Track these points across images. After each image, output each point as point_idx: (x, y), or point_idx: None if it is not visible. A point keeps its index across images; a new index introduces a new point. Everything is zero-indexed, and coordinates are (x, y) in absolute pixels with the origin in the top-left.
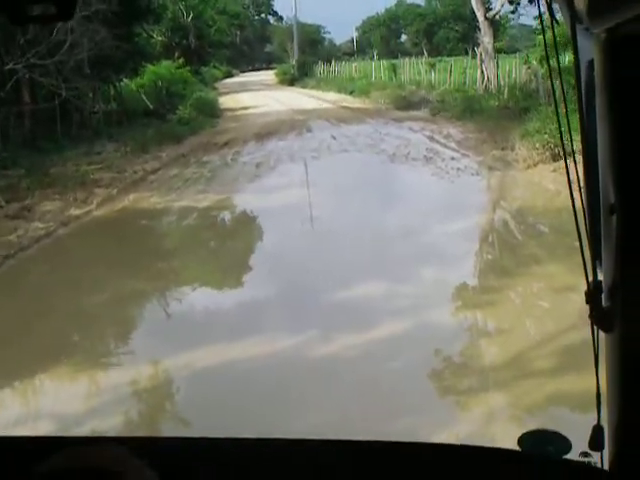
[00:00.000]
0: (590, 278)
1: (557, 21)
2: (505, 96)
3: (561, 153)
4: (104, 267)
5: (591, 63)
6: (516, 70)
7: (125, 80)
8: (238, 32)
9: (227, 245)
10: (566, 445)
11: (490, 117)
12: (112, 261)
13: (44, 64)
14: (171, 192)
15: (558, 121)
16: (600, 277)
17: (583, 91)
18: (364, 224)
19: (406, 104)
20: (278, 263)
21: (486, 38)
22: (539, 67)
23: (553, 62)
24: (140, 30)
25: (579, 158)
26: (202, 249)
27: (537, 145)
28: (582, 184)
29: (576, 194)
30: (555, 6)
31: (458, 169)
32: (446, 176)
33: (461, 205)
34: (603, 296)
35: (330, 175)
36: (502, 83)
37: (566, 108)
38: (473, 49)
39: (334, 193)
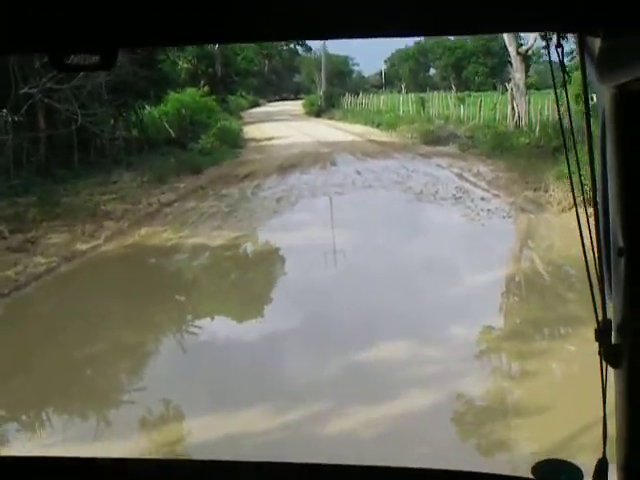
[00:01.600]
0: (600, 316)
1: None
2: (536, 134)
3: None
4: (99, 314)
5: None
6: (549, 107)
7: (148, 108)
8: (266, 61)
9: (237, 290)
10: (578, 475)
11: (521, 155)
12: (110, 307)
13: (60, 89)
14: (185, 227)
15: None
16: (609, 316)
17: (600, 135)
18: (388, 270)
19: (434, 139)
20: (292, 317)
21: (517, 74)
22: (574, 105)
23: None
24: (163, 56)
25: None
26: (209, 292)
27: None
28: (593, 226)
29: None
30: None
31: (489, 210)
32: (476, 218)
33: (492, 251)
34: (613, 334)
35: (354, 213)
36: (533, 120)
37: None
38: (502, 84)
39: (358, 233)
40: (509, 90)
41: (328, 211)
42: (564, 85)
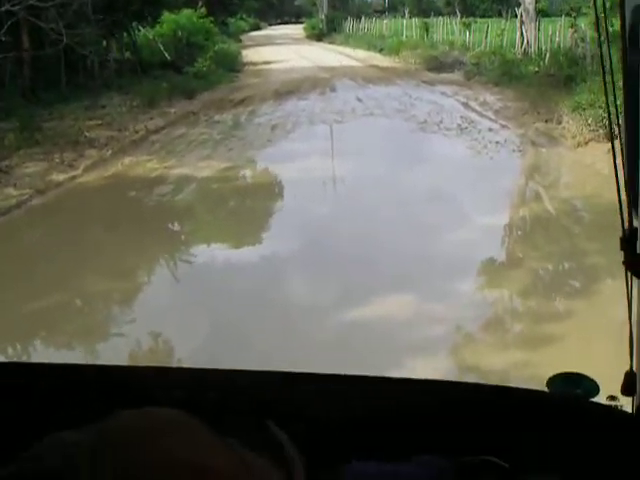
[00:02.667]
0: (626, 225)
1: None
2: (546, 62)
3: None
4: (62, 258)
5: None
6: (560, 34)
7: (142, 29)
8: None
9: (220, 229)
10: (594, 388)
11: (531, 84)
12: (72, 251)
13: (45, 7)
14: (172, 156)
15: (605, 92)
16: (636, 224)
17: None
18: (389, 203)
19: (438, 65)
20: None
21: None
22: (587, 31)
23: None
24: None
25: None
26: (192, 226)
27: (589, 121)
28: (622, 127)
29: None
30: None
31: (497, 143)
32: (484, 151)
33: (502, 190)
34: (638, 243)
35: (353, 142)
36: (543, 48)
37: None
38: (508, 11)
39: (357, 164)
40: (518, 15)
41: (326, 140)
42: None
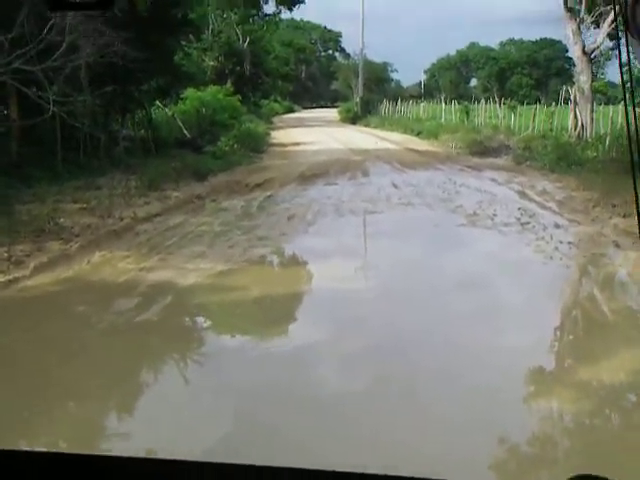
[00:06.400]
0: None
1: None
2: (606, 146)
3: None
4: None
5: None
6: (621, 115)
7: (159, 105)
8: (304, 67)
9: (184, 373)
10: None
11: (593, 171)
12: None
13: (32, 70)
14: (154, 254)
15: None
16: None
17: None
18: (434, 343)
19: (482, 149)
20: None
21: (583, 77)
22: None
23: None
24: (174, 46)
25: None
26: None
27: None
28: None
29: None
30: None
31: (570, 244)
32: (555, 255)
33: (590, 315)
34: None
35: (387, 241)
36: (601, 130)
37: None
38: (546, 97)
39: (390, 274)
40: (572, 96)
41: (353, 236)
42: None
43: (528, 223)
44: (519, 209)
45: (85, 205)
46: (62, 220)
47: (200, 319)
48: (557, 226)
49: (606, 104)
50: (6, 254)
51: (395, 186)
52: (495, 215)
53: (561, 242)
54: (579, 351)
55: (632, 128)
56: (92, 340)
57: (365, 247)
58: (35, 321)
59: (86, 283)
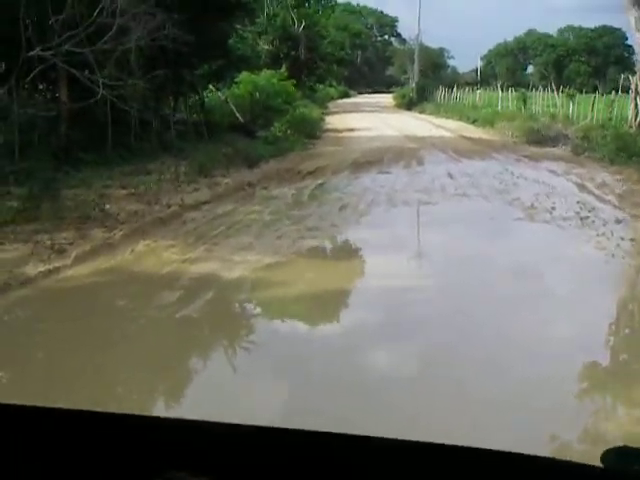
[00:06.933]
0: None
1: None
2: None
3: None
4: None
5: None
6: None
7: (212, 89)
8: (359, 52)
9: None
10: None
11: None
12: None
13: (81, 52)
14: (200, 243)
15: None
16: None
17: None
18: (489, 347)
19: (540, 138)
20: None
21: None
22: None
23: None
24: (228, 29)
25: None
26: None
27: None
28: None
29: None
30: None
31: (633, 240)
32: (617, 252)
33: None
34: None
35: (441, 234)
36: None
37: None
38: (604, 85)
39: (443, 270)
40: (633, 84)
41: (406, 228)
42: None
43: (587, 217)
44: (578, 202)
45: (133, 191)
46: (108, 206)
47: (243, 316)
48: (618, 221)
49: None
50: (49, 242)
51: (450, 176)
52: (554, 208)
53: (622, 239)
54: None
55: None
56: (127, 337)
57: (418, 240)
58: (70, 314)
59: (128, 274)
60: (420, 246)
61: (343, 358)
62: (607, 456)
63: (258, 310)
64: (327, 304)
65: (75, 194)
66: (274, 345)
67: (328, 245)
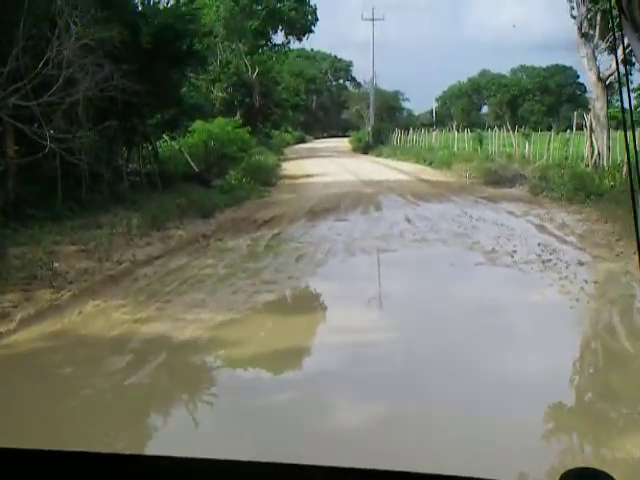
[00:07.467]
0: None
1: None
2: (623, 174)
3: None
4: None
5: None
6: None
7: (166, 138)
8: (314, 97)
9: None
10: None
11: (613, 201)
12: None
13: (27, 106)
14: (152, 302)
15: None
16: None
17: None
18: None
19: (497, 179)
20: None
21: (598, 103)
22: None
23: None
24: (180, 78)
25: None
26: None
27: None
28: None
29: None
30: None
31: (596, 284)
32: (582, 296)
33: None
34: None
35: (401, 284)
36: (618, 158)
37: None
38: (558, 124)
39: (405, 323)
40: (587, 123)
41: (364, 278)
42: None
43: (550, 260)
44: (539, 244)
45: (83, 247)
46: (57, 265)
47: (194, 380)
48: (580, 263)
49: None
50: None
51: (409, 221)
52: (515, 252)
53: (586, 281)
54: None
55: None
56: (69, 410)
57: (376, 291)
58: (8, 384)
59: (75, 338)
60: (379, 297)
61: (295, 428)
62: (566, 478)
63: (210, 374)
64: (280, 366)
65: (22, 252)
66: (225, 415)
67: (284, 299)
